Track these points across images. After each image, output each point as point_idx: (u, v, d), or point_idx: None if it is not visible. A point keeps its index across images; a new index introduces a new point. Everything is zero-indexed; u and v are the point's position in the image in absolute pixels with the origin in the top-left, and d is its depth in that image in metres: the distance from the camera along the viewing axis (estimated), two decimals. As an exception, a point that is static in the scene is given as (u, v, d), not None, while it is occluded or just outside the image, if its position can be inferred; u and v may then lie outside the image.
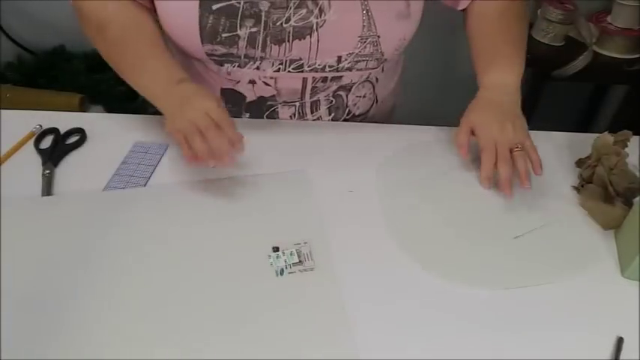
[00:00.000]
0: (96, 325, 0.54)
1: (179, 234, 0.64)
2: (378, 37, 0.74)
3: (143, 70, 0.71)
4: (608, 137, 0.74)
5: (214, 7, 0.69)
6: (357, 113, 0.88)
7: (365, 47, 0.74)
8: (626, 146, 0.74)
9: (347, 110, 0.86)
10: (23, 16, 1.55)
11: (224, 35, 0.71)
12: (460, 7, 0.85)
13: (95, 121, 0.82)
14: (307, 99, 0.82)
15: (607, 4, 1.60)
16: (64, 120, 0.81)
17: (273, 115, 0.84)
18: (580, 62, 1.53)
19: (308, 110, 0.84)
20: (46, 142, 0.77)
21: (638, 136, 0.80)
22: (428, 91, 1.85)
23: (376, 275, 0.61)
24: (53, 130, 0.79)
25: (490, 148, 0.70)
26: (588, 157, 0.77)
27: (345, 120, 0.88)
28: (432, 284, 0.60)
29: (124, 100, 1.52)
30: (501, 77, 0.77)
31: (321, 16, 0.69)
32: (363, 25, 0.72)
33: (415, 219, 0.68)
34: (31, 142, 0.77)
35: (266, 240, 0.63)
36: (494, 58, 0.80)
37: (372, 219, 0.68)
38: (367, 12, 0.71)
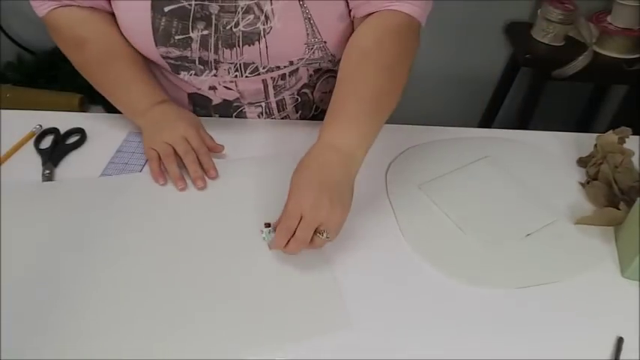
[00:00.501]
0: (94, 308, 0.55)
1: (173, 216, 0.66)
2: (325, 42, 0.73)
3: (127, 89, 0.76)
4: (612, 136, 0.75)
5: (166, 9, 0.69)
6: (325, 108, 0.87)
7: (313, 53, 0.74)
8: (624, 142, 0.74)
9: (314, 106, 0.87)
10: (23, 16, 1.55)
11: (177, 37, 0.71)
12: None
13: (95, 121, 0.82)
14: (272, 98, 0.82)
15: (607, 4, 1.60)
16: (64, 120, 0.81)
17: (241, 116, 0.84)
18: (580, 62, 1.53)
19: (275, 109, 0.84)
20: (46, 142, 0.77)
21: (638, 136, 0.80)
22: (428, 91, 1.85)
23: (379, 274, 0.61)
24: (53, 130, 0.79)
25: (290, 220, 0.56)
26: (590, 156, 0.77)
27: (314, 116, 0.88)
28: (436, 282, 0.60)
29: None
30: (344, 138, 0.62)
31: (267, 23, 0.70)
32: (307, 33, 0.71)
33: (425, 218, 0.68)
34: (31, 142, 0.77)
35: (258, 217, 0.65)
36: (344, 113, 0.64)
37: (376, 217, 0.68)
38: (309, 20, 0.70)
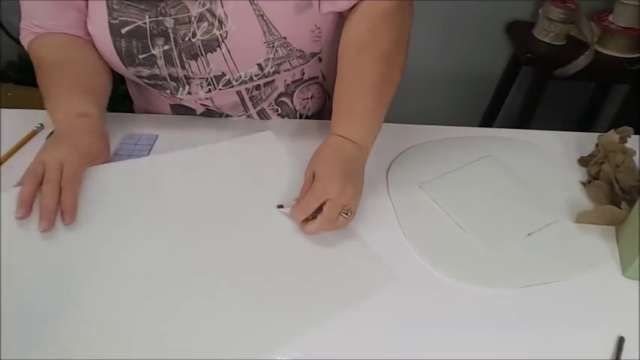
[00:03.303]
0: (97, 309, 0.54)
1: (181, 204, 0.66)
2: (285, 38, 0.71)
3: (57, 98, 0.71)
4: (614, 135, 0.75)
5: (123, 30, 0.70)
6: (309, 114, 0.88)
7: (276, 51, 0.72)
8: (626, 142, 0.74)
9: (297, 114, 0.86)
10: (24, 15, 1.55)
11: (141, 57, 0.71)
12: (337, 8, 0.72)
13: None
14: (252, 110, 0.82)
15: (609, 3, 1.60)
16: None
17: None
18: (581, 61, 1.53)
19: (256, 118, 0.84)
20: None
21: (639, 135, 0.80)
22: (429, 90, 1.85)
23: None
24: None
25: (314, 201, 0.60)
26: (591, 156, 0.77)
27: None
28: (437, 281, 0.60)
29: (125, 99, 1.52)
30: (356, 132, 0.67)
31: (222, 28, 0.69)
32: (264, 31, 0.70)
33: (426, 217, 0.68)
34: (32, 141, 0.77)
35: (267, 201, 0.66)
36: (352, 107, 0.68)
37: (377, 217, 0.67)
38: (262, 17, 0.69)
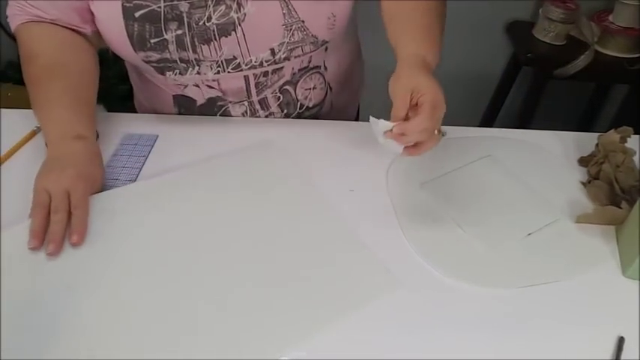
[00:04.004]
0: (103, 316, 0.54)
1: (185, 216, 0.66)
2: (303, 21, 0.72)
3: (49, 112, 0.70)
4: (614, 135, 0.75)
5: (136, 14, 0.69)
6: (310, 105, 0.88)
7: (293, 34, 0.73)
8: (626, 142, 0.74)
9: (298, 104, 0.86)
10: (24, 15, 1.55)
11: (152, 41, 0.71)
12: None
13: (96, 120, 0.81)
14: (254, 97, 0.82)
15: (609, 3, 1.60)
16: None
17: (225, 115, 0.84)
18: (581, 61, 1.53)
19: (258, 108, 0.84)
20: None
21: (638, 135, 0.80)
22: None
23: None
24: None
25: (437, 112, 0.59)
26: (591, 156, 0.77)
27: (299, 114, 0.87)
28: (437, 281, 0.60)
29: (125, 99, 1.52)
30: (423, 52, 0.68)
31: (240, 11, 0.69)
32: (284, 13, 0.71)
33: (426, 217, 0.68)
34: (32, 141, 0.77)
35: (271, 210, 0.67)
36: (423, 37, 0.70)
37: (378, 216, 0.68)
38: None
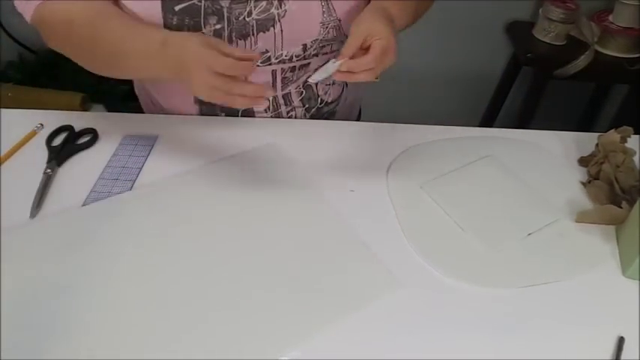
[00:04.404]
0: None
1: (187, 217, 0.66)
2: (339, 20, 0.74)
3: (128, 54, 0.66)
4: (614, 135, 0.75)
5: (177, 7, 0.69)
6: (329, 100, 0.88)
7: (328, 32, 0.74)
8: (626, 142, 0.74)
9: (319, 99, 0.87)
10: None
11: None
12: None
13: (96, 120, 0.82)
14: (279, 92, 0.82)
15: (609, 3, 1.60)
16: (66, 119, 0.81)
17: (248, 111, 0.84)
18: (581, 61, 1.53)
19: (281, 102, 0.84)
20: (59, 140, 0.78)
21: (638, 135, 0.80)
22: (429, 90, 1.85)
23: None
24: (68, 128, 0.79)
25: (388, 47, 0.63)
26: (591, 156, 0.77)
27: (319, 108, 0.88)
28: (437, 281, 0.60)
29: (126, 99, 1.52)
30: (396, 14, 0.70)
31: (281, 7, 0.70)
32: (323, 12, 0.72)
33: (426, 217, 0.68)
34: (32, 140, 0.77)
35: (271, 210, 0.67)
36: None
37: (378, 216, 0.68)
38: None
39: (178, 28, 0.70)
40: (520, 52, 1.65)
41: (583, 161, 0.78)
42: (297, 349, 0.52)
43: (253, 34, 0.72)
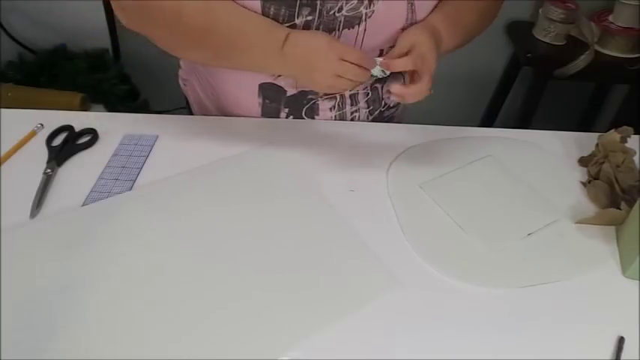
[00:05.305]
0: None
1: (185, 217, 0.66)
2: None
3: (245, 47, 0.69)
4: (614, 134, 0.75)
5: None
6: (391, 105, 0.89)
7: None
8: (626, 142, 0.74)
9: (382, 102, 0.87)
10: (24, 15, 1.55)
11: (284, 26, 0.70)
12: None
13: (96, 120, 0.82)
14: (347, 92, 0.82)
15: (609, 3, 1.60)
16: (66, 119, 0.81)
17: (313, 109, 0.83)
18: (581, 61, 1.53)
19: (347, 103, 0.84)
20: (59, 139, 0.77)
21: (638, 135, 0.80)
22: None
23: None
24: (68, 128, 0.79)
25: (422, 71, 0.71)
26: (591, 155, 0.77)
27: (381, 112, 0.88)
28: (437, 281, 0.60)
29: (126, 99, 1.52)
30: (448, 42, 0.79)
31: (370, 7, 0.71)
32: (407, 17, 0.73)
33: (426, 217, 0.68)
34: (32, 141, 0.77)
35: (268, 211, 0.67)
36: (456, 20, 0.80)
37: (377, 216, 0.68)
38: (412, 4, 0.72)
39: (274, 18, 0.70)
40: (520, 52, 1.65)
41: (583, 161, 0.78)
42: (297, 349, 0.52)
43: (338, 30, 0.72)
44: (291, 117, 0.84)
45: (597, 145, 0.77)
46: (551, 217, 0.69)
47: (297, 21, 0.70)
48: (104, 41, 1.59)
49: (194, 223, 0.65)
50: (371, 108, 0.86)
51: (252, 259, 0.61)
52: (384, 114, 0.89)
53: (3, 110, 0.83)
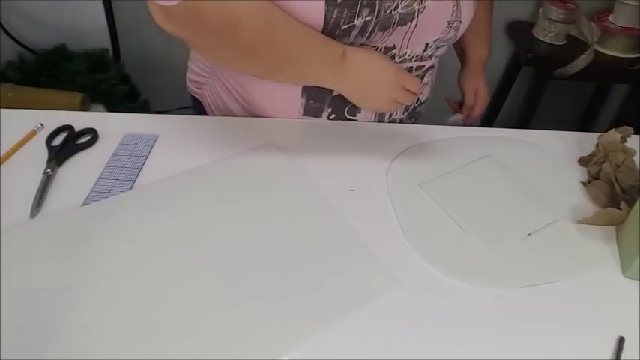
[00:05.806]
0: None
1: (186, 218, 0.66)
2: (460, 22, 0.78)
3: (301, 61, 0.71)
4: (614, 134, 0.75)
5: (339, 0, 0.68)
6: (423, 100, 0.90)
7: (449, 32, 0.78)
8: (626, 141, 0.74)
9: (416, 98, 0.87)
10: (24, 15, 1.55)
11: (343, 27, 0.70)
12: None
13: (97, 120, 0.82)
14: None
15: (609, 3, 1.60)
16: (66, 119, 0.81)
17: (355, 107, 0.82)
18: (581, 61, 1.53)
19: None
20: (59, 139, 0.77)
21: (638, 135, 0.80)
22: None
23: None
24: (68, 128, 0.79)
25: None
26: (591, 155, 0.77)
27: (414, 107, 0.89)
28: (437, 281, 0.60)
29: (126, 99, 1.52)
30: (484, 54, 1.01)
31: (421, 3, 0.72)
32: (453, 11, 0.75)
33: (426, 217, 0.68)
34: (32, 141, 0.77)
35: (269, 211, 0.67)
36: (484, 36, 1.00)
37: (377, 216, 0.68)
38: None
39: (336, 22, 0.69)
40: (520, 52, 1.65)
41: (583, 161, 0.78)
42: (297, 349, 0.52)
43: (392, 27, 0.73)
44: (334, 116, 0.83)
45: (597, 145, 0.77)
46: (551, 217, 0.69)
47: (356, 22, 0.70)
48: (104, 41, 1.60)
49: (194, 223, 0.65)
50: (405, 105, 0.86)
51: (252, 259, 0.61)
52: (417, 110, 0.90)
53: (3, 110, 0.83)
